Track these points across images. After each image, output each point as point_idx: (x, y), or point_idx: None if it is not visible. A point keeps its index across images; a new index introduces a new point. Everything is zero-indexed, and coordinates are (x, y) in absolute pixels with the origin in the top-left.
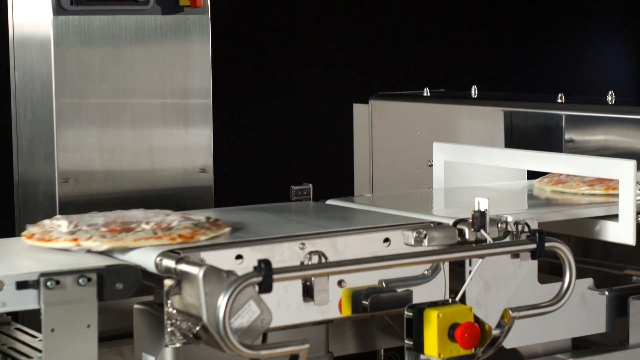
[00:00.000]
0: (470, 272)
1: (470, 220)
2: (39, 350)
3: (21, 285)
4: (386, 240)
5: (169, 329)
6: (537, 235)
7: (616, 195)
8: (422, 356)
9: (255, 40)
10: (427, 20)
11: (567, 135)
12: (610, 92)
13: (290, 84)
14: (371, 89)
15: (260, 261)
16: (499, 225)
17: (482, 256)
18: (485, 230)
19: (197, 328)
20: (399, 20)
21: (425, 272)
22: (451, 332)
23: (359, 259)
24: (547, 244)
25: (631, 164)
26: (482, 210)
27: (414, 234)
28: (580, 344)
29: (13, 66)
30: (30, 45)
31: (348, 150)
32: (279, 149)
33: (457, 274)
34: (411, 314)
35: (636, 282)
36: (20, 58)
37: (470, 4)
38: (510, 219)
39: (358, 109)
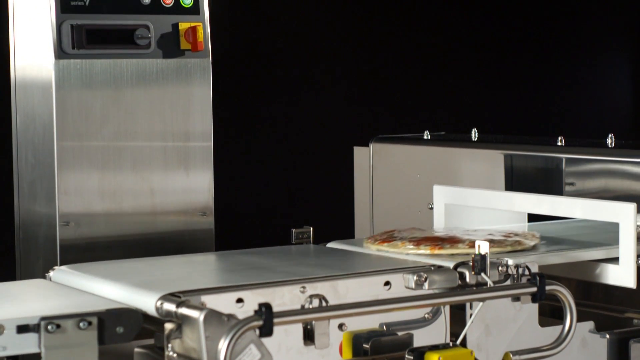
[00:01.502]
0: (471, 315)
1: (471, 264)
2: None
3: (22, 329)
4: (387, 283)
5: None
6: (538, 278)
7: (440, 256)
8: None
9: (255, 83)
10: (427, 64)
11: (568, 178)
12: (610, 135)
13: (290, 126)
14: (371, 132)
15: (261, 305)
16: (500, 268)
17: (482, 299)
18: (485, 273)
19: None
20: (399, 64)
21: (426, 316)
22: None
23: (359, 302)
24: (547, 287)
25: (631, 207)
26: (483, 253)
27: (415, 277)
28: None
29: (15, 109)
30: (32, 89)
31: (349, 192)
32: (279, 192)
33: (458, 317)
34: (412, 357)
35: (637, 326)
36: (22, 101)
37: (470, 47)
38: (510, 262)
39: (358, 152)
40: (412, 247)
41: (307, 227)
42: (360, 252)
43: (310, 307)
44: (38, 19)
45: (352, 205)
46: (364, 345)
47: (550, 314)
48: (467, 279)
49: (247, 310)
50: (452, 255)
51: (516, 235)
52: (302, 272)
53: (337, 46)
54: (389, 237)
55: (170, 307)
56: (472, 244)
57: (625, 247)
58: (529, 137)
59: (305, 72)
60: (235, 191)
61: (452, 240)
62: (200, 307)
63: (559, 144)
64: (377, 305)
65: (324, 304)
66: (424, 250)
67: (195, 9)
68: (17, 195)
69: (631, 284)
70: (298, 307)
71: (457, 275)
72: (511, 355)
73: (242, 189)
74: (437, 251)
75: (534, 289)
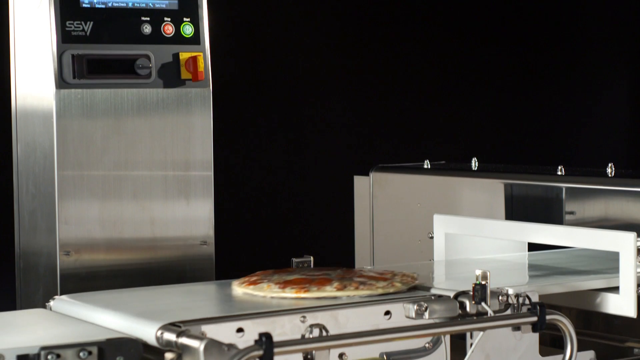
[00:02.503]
0: (471, 344)
1: (471, 293)
2: None
3: (22, 358)
4: (387, 313)
5: None
6: (538, 308)
7: (305, 299)
8: None
9: (255, 112)
10: (427, 93)
11: (568, 207)
12: (609, 165)
13: (291, 155)
14: (372, 161)
15: (261, 334)
16: (500, 297)
17: (483, 329)
18: (486, 302)
19: None
20: (399, 93)
21: (427, 345)
22: None
23: (360, 332)
24: (548, 317)
25: (631, 236)
26: (483, 282)
27: (415, 307)
28: None
29: (15, 138)
30: (33, 118)
31: (349, 222)
32: (280, 221)
33: (459, 346)
34: None
35: (638, 355)
36: (22, 130)
37: (470, 77)
38: (511, 291)
39: (359, 181)
40: (277, 289)
41: (308, 256)
42: None
43: (311, 336)
44: (39, 49)
45: (353, 234)
46: None
47: (551, 343)
48: (468, 309)
49: (247, 339)
50: (319, 298)
51: (394, 275)
52: (302, 302)
53: (337, 76)
54: (257, 279)
55: (170, 336)
56: (340, 286)
57: (626, 276)
58: (529, 167)
59: (305, 102)
60: (236, 220)
61: (320, 282)
62: (200, 337)
63: (559, 173)
64: (377, 334)
65: (324, 333)
66: (289, 293)
67: (195, 39)
68: (18, 225)
69: (632, 313)
70: (298, 336)
71: (458, 304)
72: None
73: (243, 218)
74: (302, 294)
75: (535, 319)
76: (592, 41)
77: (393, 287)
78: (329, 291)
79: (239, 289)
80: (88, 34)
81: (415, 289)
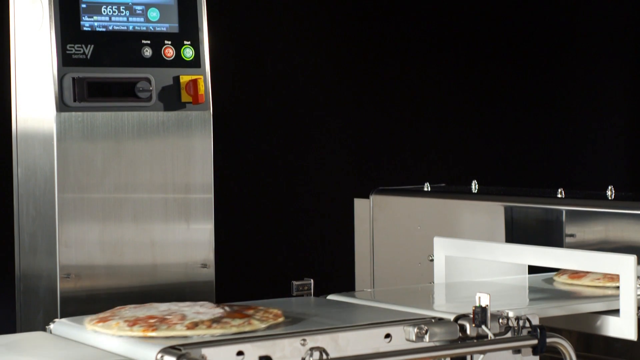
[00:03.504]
0: None
1: (472, 316)
2: None
3: None
4: (387, 336)
5: None
6: (539, 330)
7: (154, 338)
8: None
9: (256, 135)
10: (426, 116)
11: (568, 230)
12: (609, 187)
13: (291, 178)
14: (372, 184)
15: (261, 357)
16: (500, 320)
17: (483, 352)
18: (486, 325)
19: None
20: (399, 115)
21: None
22: None
23: (360, 355)
24: (548, 340)
25: (631, 258)
26: (483, 305)
27: (415, 330)
28: None
29: (16, 161)
30: (33, 141)
31: (349, 245)
32: (280, 244)
33: None
34: None
35: None
36: (23, 153)
37: (470, 100)
38: (511, 314)
39: (359, 204)
40: (126, 327)
41: (308, 279)
42: (360, 305)
43: (311, 359)
44: (40, 72)
45: (353, 257)
46: None
47: None
48: (468, 331)
49: None
50: (167, 338)
51: (256, 311)
52: (303, 325)
53: (337, 98)
54: (109, 316)
55: None
56: (191, 325)
57: (626, 299)
58: (529, 189)
59: (305, 124)
60: (236, 243)
61: (171, 320)
62: None
63: (559, 195)
64: (377, 357)
65: (324, 356)
66: (137, 332)
67: (196, 62)
68: (18, 247)
69: (632, 336)
70: (299, 359)
71: (458, 327)
72: None
73: (243, 241)
74: (150, 333)
75: (535, 342)
76: (592, 64)
77: (250, 325)
78: (179, 330)
79: (89, 326)
80: (89, 57)
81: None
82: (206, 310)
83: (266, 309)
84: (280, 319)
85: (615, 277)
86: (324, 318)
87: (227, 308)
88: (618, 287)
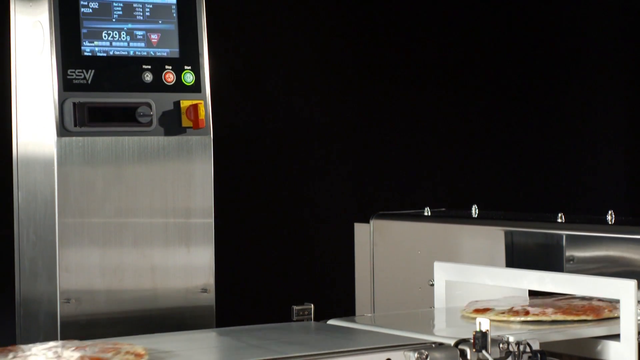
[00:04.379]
0: None
1: (472, 341)
2: None
3: None
4: None
5: None
6: (539, 355)
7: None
8: None
9: (256, 160)
10: (426, 140)
11: (568, 255)
12: (609, 212)
13: (291, 203)
14: (372, 209)
15: None
16: (501, 345)
17: None
18: (487, 350)
19: None
20: (399, 140)
21: None
22: None
23: None
24: None
25: (632, 283)
26: (484, 330)
27: (416, 355)
28: None
29: (16, 186)
30: (34, 165)
31: (349, 269)
32: (280, 269)
33: None
34: None
35: None
36: (23, 178)
37: (470, 124)
38: (512, 339)
39: (359, 229)
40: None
41: (308, 304)
42: (360, 329)
43: None
44: (40, 96)
45: (353, 281)
46: None
47: None
48: (469, 356)
49: None
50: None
51: (117, 352)
52: (303, 350)
53: (338, 123)
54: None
55: None
56: None
57: (627, 324)
58: (529, 214)
59: (306, 149)
60: (236, 268)
61: None
62: None
63: (559, 220)
64: None
65: None
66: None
67: (196, 87)
68: (18, 272)
69: None
70: None
71: (458, 352)
72: None
73: (243, 266)
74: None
75: None
76: (592, 90)
77: None
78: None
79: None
80: (89, 82)
81: None
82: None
83: (128, 351)
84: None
85: (519, 312)
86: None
87: (87, 350)
88: (522, 322)
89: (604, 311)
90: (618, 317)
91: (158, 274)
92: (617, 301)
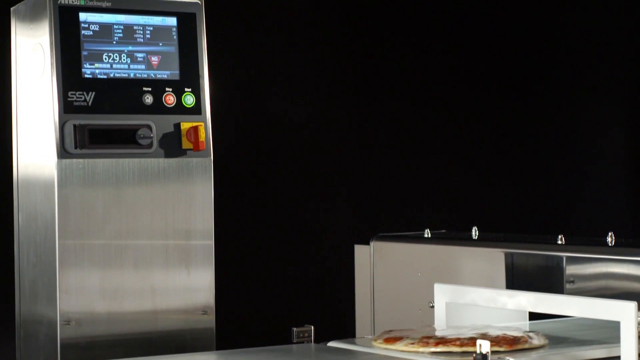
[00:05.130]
0: None
1: None
2: None
3: None
4: None
5: None
6: None
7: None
8: None
9: (256, 181)
10: (427, 162)
11: (568, 276)
12: (610, 233)
13: (291, 224)
14: (372, 231)
15: None
16: None
17: None
18: None
19: None
20: (400, 162)
21: None
22: None
23: None
24: None
25: (632, 305)
26: (484, 352)
27: None
28: None
29: (17, 208)
30: (34, 187)
31: (349, 291)
32: (280, 291)
33: None
34: None
35: None
36: (24, 199)
37: (470, 146)
38: None
39: (359, 250)
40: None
41: (308, 325)
42: (360, 351)
43: None
44: (41, 118)
45: (353, 303)
46: None
47: None
48: None
49: None
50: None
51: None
52: None
53: (338, 145)
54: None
55: None
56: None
57: (627, 346)
58: (529, 236)
59: (306, 171)
60: (237, 289)
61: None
62: None
63: (559, 242)
64: None
65: None
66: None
67: (197, 109)
68: (18, 294)
69: None
70: None
71: None
72: None
73: (244, 287)
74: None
75: None
76: (592, 109)
77: None
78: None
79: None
80: (90, 104)
81: None
82: None
83: None
84: None
85: (429, 342)
86: None
87: None
88: (432, 353)
89: (518, 342)
90: (533, 349)
91: (158, 295)
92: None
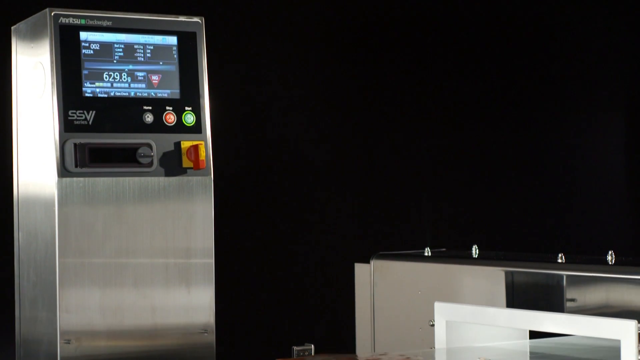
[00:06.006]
0: None
1: None
2: None
3: None
4: None
5: None
6: None
7: None
8: None
9: (257, 200)
10: (427, 180)
11: (568, 295)
12: (610, 252)
13: (291, 243)
14: (372, 249)
15: None
16: None
17: None
18: None
19: None
20: (400, 181)
21: None
22: None
23: None
24: None
25: (632, 324)
26: None
27: None
28: None
29: (17, 226)
30: (35, 206)
31: (350, 309)
32: (280, 309)
33: None
34: None
35: None
36: (24, 218)
37: (469, 165)
38: None
39: (359, 269)
40: None
41: (309, 344)
42: None
43: None
44: (41, 137)
45: (354, 322)
46: None
47: None
48: None
49: None
50: None
51: None
52: None
53: (338, 164)
54: None
55: None
56: None
57: None
58: (529, 254)
59: (306, 189)
60: (237, 308)
61: None
62: None
63: (560, 260)
64: None
65: None
66: None
67: (197, 128)
68: (18, 313)
69: None
70: None
71: None
72: None
73: (243, 306)
74: None
75: None
76: (590, 130)
77: None
78: None
79: None
80: (90, 123)
81: None
82: None
83: None
84: None
85: None
86: None
87: None
88: None
89: None
90: None
91: (158, 314)
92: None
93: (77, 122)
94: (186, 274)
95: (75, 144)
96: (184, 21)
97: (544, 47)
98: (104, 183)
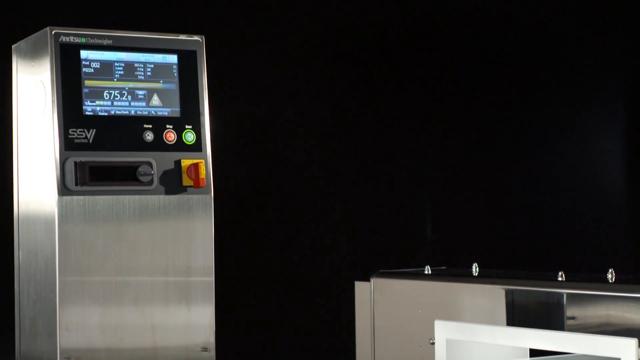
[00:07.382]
0: None
1: None
2: None
3: None
4: None
5: None
6: None
7: None
8: None
9: (257, 218)
10: (427, 198)
11: (569, 313)
12: (610, 270)
13: (291, 261)
14: (372, 267)
15: None
16: None
17: None
18: None
19: None
20: (400, 199)
21: None
22: None
23: None
24: None
25: (632, 342)
26: None
27: None
28: None
29: (17, 245)
30: (35, 224)
31: (350, 328)
32: (280, 328)
33: None
34: None
35: None
36: (24, 236)
37: (469, 182)
38: None
39: (359, 287)
40: None
41: None
42: None
43: None
44: (42, 155)
45: (354, 340)
46: None
47: None
48: None
49: None
50: None
51: None
52: None
53: (338, 182)
54: None
55: None
56: None
57: None
58: (529, 272)
59: (306, 207)
60: (237, 326)
61: None
62: None
63: (560, 279)
64: None
65: None
66: None
67: (197, 146)
68: (18, 331)
69: None
70: None
71: None
72: None
73: (244, 324)
74: None
75: None
76: (590, 144)
77: None
78: None
79: None
80: (91, 141)
81: None
82: None
83: None
84: None
85: None
86: None
87: None
88: None
89: None
90: None
91: (158, 332)
92: None
93: (78, 141)
94: (186, 292)
95: (75, 163)
96: (184, 40)
97: (547, 69)
98: (104, 201)
